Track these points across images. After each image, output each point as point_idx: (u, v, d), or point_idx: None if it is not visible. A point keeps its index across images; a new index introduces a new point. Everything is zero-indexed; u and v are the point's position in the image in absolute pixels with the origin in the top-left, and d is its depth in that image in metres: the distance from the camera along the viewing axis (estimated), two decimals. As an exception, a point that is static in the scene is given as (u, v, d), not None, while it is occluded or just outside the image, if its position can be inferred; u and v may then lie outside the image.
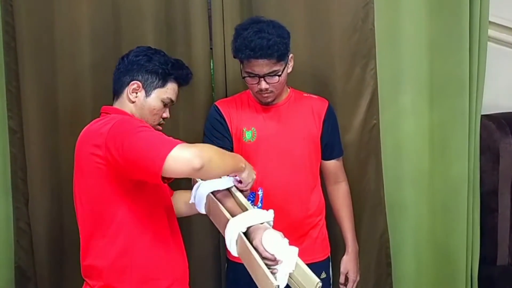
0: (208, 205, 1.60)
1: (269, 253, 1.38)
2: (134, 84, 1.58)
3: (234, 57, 1.78)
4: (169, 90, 1.61)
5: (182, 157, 1.29)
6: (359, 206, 2.18)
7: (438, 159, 2.25)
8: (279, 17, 2.02)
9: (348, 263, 1.93)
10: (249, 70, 1.74)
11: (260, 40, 1.66)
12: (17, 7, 2.05)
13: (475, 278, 2.30)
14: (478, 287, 2.31)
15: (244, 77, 1.77)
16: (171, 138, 1.35)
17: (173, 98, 1.63)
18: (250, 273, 1.44)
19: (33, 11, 2.06)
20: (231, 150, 1.84)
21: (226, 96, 2.11)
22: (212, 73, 2.18)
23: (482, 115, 2.28)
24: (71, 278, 2.22)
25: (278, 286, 1.33)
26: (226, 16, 2.12)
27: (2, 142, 2.16)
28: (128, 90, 1.59)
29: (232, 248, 1.47)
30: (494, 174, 2.27)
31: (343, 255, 1.96)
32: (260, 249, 1.39)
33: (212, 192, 1.58)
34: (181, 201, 1.74)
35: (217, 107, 1.89)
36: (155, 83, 1.59)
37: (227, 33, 2.10)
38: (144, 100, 1.58)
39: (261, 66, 1.70)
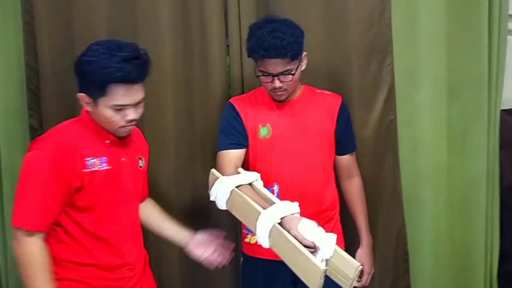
0: (231, 200, 1.62)
1: (309, 241, 1.42)
2: (83, 97, 1.55)
3: (249, 56, 1.79)
4: (113, 96, 1.51)
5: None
6: (376, 202, 2.18)
7: (456, 154, 2.23)
8: (296, 13, 2.03)
9: (362, 256, 1.93)
10: (263, 69, 1.75)
11: (274, 40, 1.67)
12: (37, 7, 2.09)
13: (495, 274, 2.28)
14: (497, 284, 2.29)
15: (258, 76, 1.79)
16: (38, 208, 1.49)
17: (124, 102, 1.52)
18: (288, 263, 1.47)
19: (53, 11, 2.10)
20: (247, 146, 1.86)
21: (243, 93, 2.12)
22: (229, 70, 2.19)
23: (501, 110, 2.25)
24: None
25: (325, 270, 1.38)
26: (243, 13, 2.13)
27: (23, 140, 2.20)
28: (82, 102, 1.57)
29: (264, 240, 1.51)
30: (514, 170, 2.25)
31: (358, 249, 1.96)
32: (300, 237, 1.44)
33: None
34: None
35: (232, 104, 1.90)
36: (96, 93, 1.52)
37: (244, 30, 2.10)
38: (96, 110, 1.55)
39: (275, 65, 1.72)
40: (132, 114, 1.56)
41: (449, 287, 2.29)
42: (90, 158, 1.55)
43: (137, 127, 1.70)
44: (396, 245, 2.25)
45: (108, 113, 1.53)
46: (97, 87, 1.51)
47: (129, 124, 1.57)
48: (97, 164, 1.56)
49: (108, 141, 1.60)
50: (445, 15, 2.16)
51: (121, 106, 1.53)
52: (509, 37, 2.23)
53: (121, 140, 1.64)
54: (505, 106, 2.28)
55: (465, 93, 2.19)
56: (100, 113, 1.54)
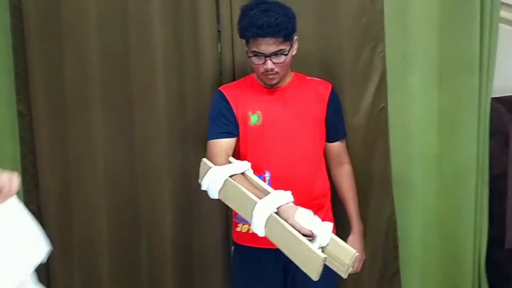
0: (224, 190, 1.62)
1: (307, 229, 1.45)
2: None
3: (241, 36, 1.77)
4: None
5: None
6: (367, 189, 2.18)
7: (446, 142, 2.23)
8: (288, -2, 2.01)
9: (354, 243, 1.93)
10: (256, 49, 1.73)
11: (268, 18, 1.67)
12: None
13: (483, 261, 2.30)
14: (485, 270, 2.31)
15: (250, 57, 1.77)
16: None
17: None
18: (286, 251, 1.49)
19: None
20: (238, 134, 1.85)
21: (234, 79, 2.10)
22: (220, 56, 2.16)
23: (492, 98, 2.25)
24: (82, 259, 2.26)
25: (325, 258, 1.41)
26: (234, -2, 2.10)
27: (11, 125, 2.18)
28: None
29: (260, 229, 1.52)
30: (503, 157, 2.25)
31: (348, 235, 1.97)
32: (298, 226, 1.47)
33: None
34: None
35: (221, 92, 1.89)
36: None
37: (235, 16, 2.07)
38: None
39: (268, 44, 1.70)
40: None
41: (438, 273, 2.31)
42: None
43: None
44: (386, 232, 2.25)
45: None
46: None
47: None
48: None
49: None
50: (437, 3, 2.15)
51: None
52: (501, 24, 2.23)
53: None
54: (496, 94, 2.28)
55: (457, 81, 2.19)
56: None
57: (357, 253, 1.46)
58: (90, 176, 2.20)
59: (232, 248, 2.04)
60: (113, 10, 2.11)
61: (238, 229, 1.92)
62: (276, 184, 1.76)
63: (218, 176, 1.63)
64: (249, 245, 1.88)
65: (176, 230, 2.22)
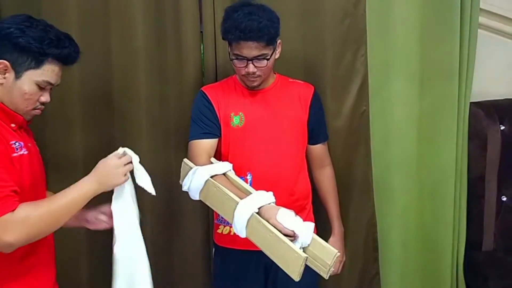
0: (205, 190, 1.61)
1: (289, 229, 1.45)
2: (1, 64, 1.36)
3: (223, 38, 1.77)
4: (46, 72, 1.40)
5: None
6: (348, 191, 2.19)
7: (426, 145, 2.26)
8: (271, 1, 2.01)
9: (334, 244, 1.92)
10: (238, 53, 1.72)
11: (251, 22, 1.66)
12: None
13: (461, 263, 2.33)
14: (463, 272, 2.34)
15: (232, 59, 1.76)
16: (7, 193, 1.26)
17: (53, 80, 1.42)
18: (267, 252, 1.49)
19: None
20: (220, 135, 1.84)
21: (216, 80, 2.10)
22: (202, 57, 2.16)
23: (471, 102, 2.29)
24: (60, 262, 2.22)
25: (306, 258, 1.40)
26: (217, -1, 2.10)
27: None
28: None
29: (242, 230, 1.52)
30: (481, 161, 2.29)
31: (329, 237, 1.97)
32: (280, 226, 1.46)
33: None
34: None
35: (204, 93, 1.88)
36: (27, 63, 1.37)
37: (218, 17, 2.08)
38: (13, 83, 1.37)
39: (250, 48, 1.69)
40: (47, 96, 1.44)
41: (418, 275, 2.33)
42: (15, 141, 1.37)
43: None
44: (366, 234, 2.27)
45: (32, 88, 1.38)
46: (32, 57, 1.37)
47: (39, 107, 1.44)
48: (20, 148, 1.38)
49: (13, 125, 1.41)
50: (419, 8, 2.18)
51: (49, 84, 1.42)
52: (480, 30, 2.26)
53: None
54: (475, 98, 2.32)
55: (437, 86, 2.22)
56: (19, 86, 1.38)
57: (339, 253, 1.46)
58: (69, 177, 2.16)
59: (213, 250, 2.03)
60: (94, 11, 2.09)
61: (219, 231, 1.91)
62: (258, 185, 1.75)
63: (199, 176, 1.62)
64: (230, 247, 1.88)
65: (157, 232, 2.20)
